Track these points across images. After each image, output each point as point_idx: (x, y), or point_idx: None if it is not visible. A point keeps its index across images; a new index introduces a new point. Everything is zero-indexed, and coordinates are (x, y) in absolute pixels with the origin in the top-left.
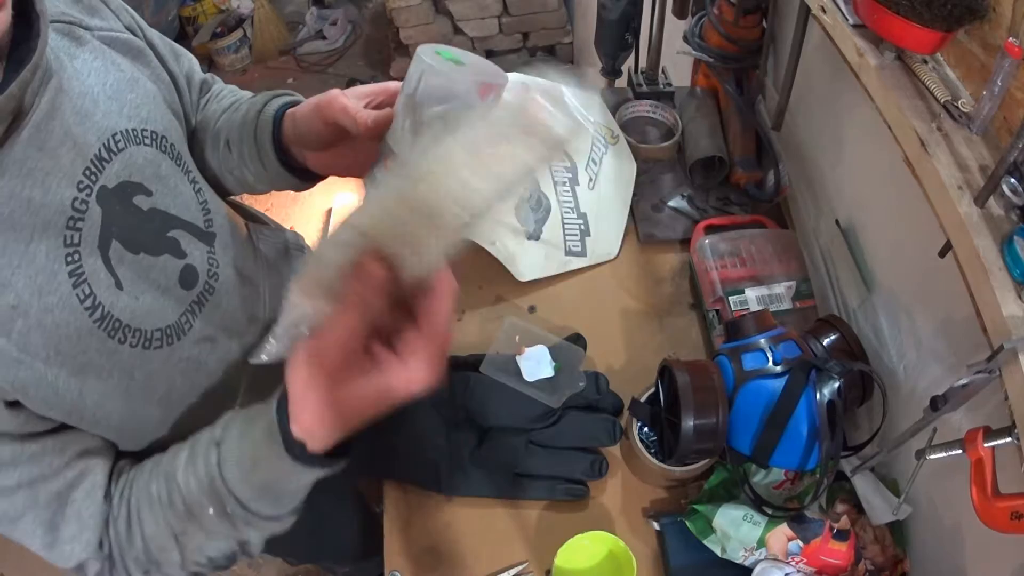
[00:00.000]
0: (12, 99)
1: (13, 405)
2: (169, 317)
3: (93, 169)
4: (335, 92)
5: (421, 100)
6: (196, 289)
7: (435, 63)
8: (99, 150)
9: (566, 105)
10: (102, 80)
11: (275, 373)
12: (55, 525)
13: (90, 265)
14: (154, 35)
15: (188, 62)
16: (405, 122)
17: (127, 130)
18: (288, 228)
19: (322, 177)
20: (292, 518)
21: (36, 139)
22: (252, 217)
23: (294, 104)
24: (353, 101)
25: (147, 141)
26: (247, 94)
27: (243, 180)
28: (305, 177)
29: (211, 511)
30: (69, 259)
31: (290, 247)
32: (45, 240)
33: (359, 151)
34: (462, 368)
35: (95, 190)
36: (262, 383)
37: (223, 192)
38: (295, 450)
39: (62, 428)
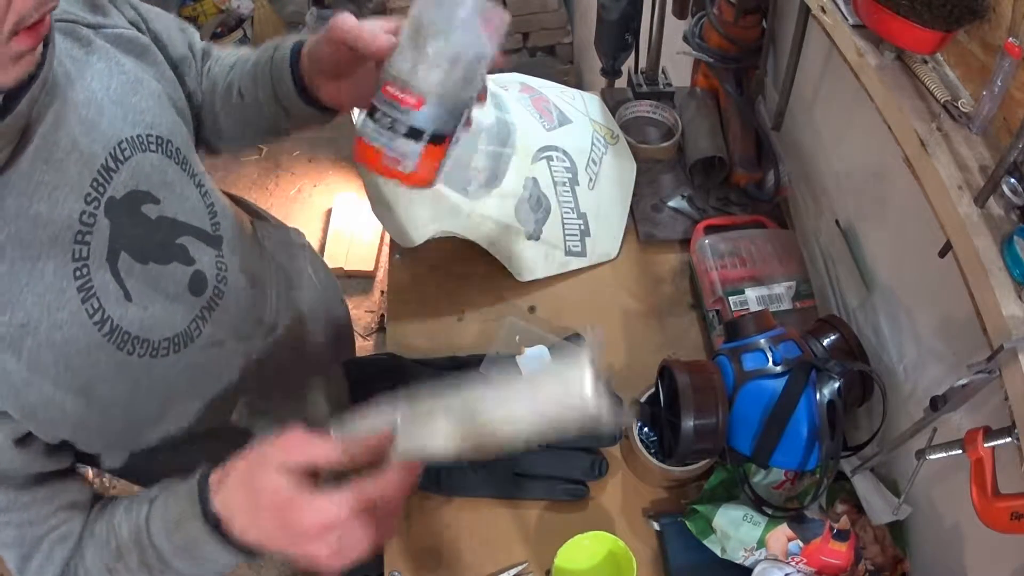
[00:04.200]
0: (21, 117)
1: (22, 441)
2: (178, 325)
3: (100, 180)
4: (346, 14)
5: (424, 24)
6: (206, 295)
7: None
8: (106, 159)
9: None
10: (106, 84)
11: (273, 374)
12: (28, 557)
13: (99, 279)
14: (157, 22)
15: (190, 34)
16: (407, 50)
17: (133, 137)
18: (290, 228)
19: (340, 111)
20: None
21: (42, 152)
22: (256, 214)
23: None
24: (365, 25)
25: (152, 147)
26: (249, 51)
27: (260, 128)
28: (326, 109)
29: (135, 558)
30: (77, 273)
31: (293, 244)
32: (53, 256)
33: (371, 79)
34: (462, 368)
35: (103, 202)
36: (263, 383)
37: (242, 150)
38: (211, 519)
39: (55, 478)
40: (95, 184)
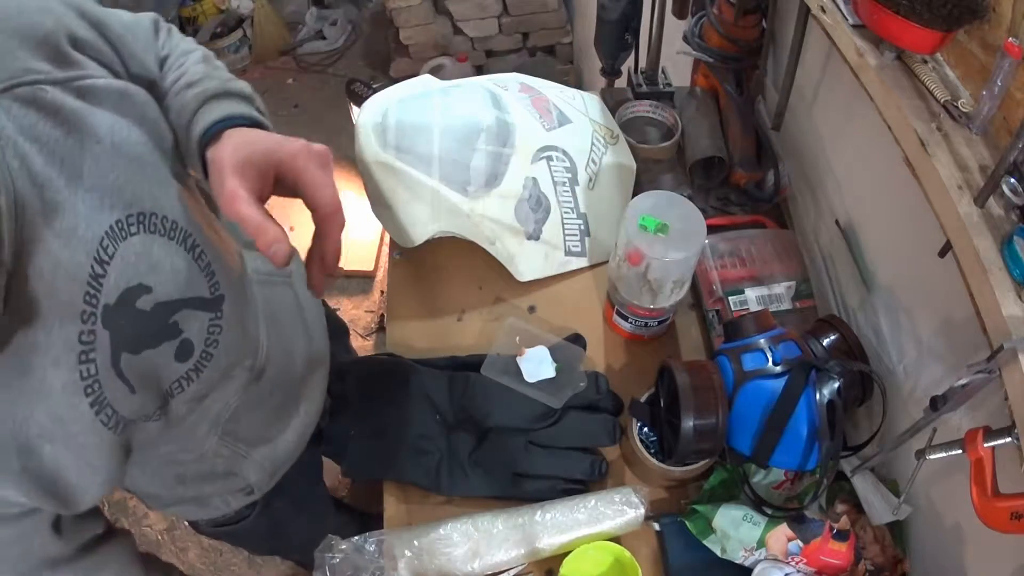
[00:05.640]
0: None
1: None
2: (163, 390)
3: (91, 291)
4: (228, 180)
5: None
6: (192, 360)
7: None
8: (91, 267)
9: None
10: (78, 171)
11: (249, 411)
12: None
13: (108, 386)
14: (133, 44)
15: (162, 39)
16: None
17: (111, 227)
18: (288, 228)
19: None
20: None
21: (27, 285)
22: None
23: (214, 131)
24: (246, 198)
25: (133, 229)
26: (189, 73)
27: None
28: None
29: None
30: (89, 390)
31: (279, 272)
32: (57, 374)
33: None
34: (462, 368)
35: (99, 314)
36: (240, 417)
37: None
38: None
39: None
40: (87, 298)
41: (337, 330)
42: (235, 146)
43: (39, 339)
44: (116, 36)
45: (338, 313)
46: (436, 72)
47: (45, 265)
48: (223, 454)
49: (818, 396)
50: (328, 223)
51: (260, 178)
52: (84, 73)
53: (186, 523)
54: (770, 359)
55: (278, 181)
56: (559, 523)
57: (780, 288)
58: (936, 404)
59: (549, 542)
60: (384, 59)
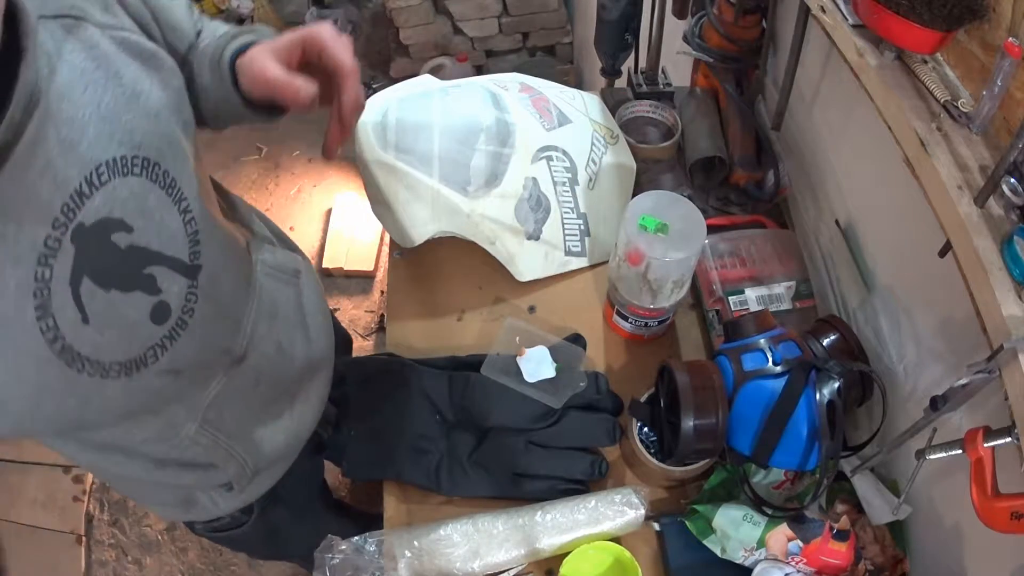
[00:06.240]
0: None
1: None
2: (133, 351)
3: (72, 205)
4: (259, 59)
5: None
6: (167, 324)
7: None
8: (80, 184)
9: None
10: (98, 98)
11: (231, 401)
12: None
13: (58, 301)
14: (168, 13)
15: (195, 21)
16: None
17: (114, 159)
18: (288, 228)
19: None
20: None
21: (14, 174)
22: (252, 230)
23: (246, 47)
24: (275, 66)
25: (136, 170)
26: (215, 31)
27: (224, 115)
28: (274, 112)
29: None
30: (37, 294)
31: (287, 271)
32: (15, 272)
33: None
34: (462, 368)
35: (71, 228)
36: (222, 410)
37: (221, 129)
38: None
39: None
40: (65, 209)
41: (342, 341)
42: (262, 46)
43: (8, 232)
44: (159, 6)
45: (338, 313)
46: (436, 72)
47: (37, 162)
48: (201, 443)
49: (818, 396)
50: (348, 79)
51: (288, 54)
52: (124, 26)
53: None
54: (770, 359)
55: (305, 62)
56: (559, 523)
57: (780, 288)
58: (936, 404)
59: (549, 542)
60: (384, 59)
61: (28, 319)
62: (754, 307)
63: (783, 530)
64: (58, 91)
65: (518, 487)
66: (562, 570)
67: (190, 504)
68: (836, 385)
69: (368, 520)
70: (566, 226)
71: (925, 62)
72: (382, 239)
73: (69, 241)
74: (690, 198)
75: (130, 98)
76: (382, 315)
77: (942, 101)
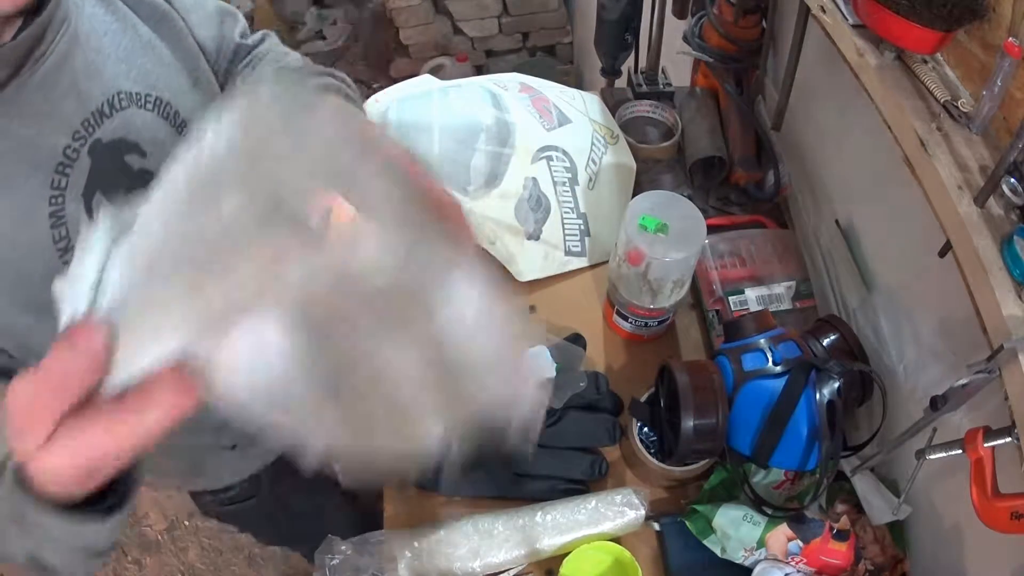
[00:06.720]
0: (30, 40)
1: None
2: None
3: (92, 122)
4: None
5: None
6: None
7: None
8: (101, 104)
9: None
10: (116, 42)
11: None
12: None
13: (71, 210)
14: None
15: (229, 27)
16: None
17: (132, 92)
18: None
19: None
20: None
21: (43, 86)
22: None
23: None
24: None
25: (150, 106)
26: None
27: None
28: None
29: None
30: (52, 201)
31: None
32: (33, 178)
33: None
34: None
35: (89, 141)
36: None
37: None
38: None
39: None
40: (86, 124)
41: None
42: None
43: (30, 136)
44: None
45: None
46: (436, 72)
47: (64, 78)
48: None
49: (818, 396)
50: None
51: None
52: None
53: (186, 522)
54: (770, 359)
55: None
56: (559, 524)
57: (780, 288)
58: (936, 404)
59: (549, 543)
60: (384, 59)
61: (42, 226)
62: (754, 307)
63: (783, 530)
64: (84, 28)
65: (518, 487)
66: (562, 570)
67: (198, 471)
68: (836, 385)
69: (368, 520)
70: (566, 226)
71: (925, 62)
72: None
73: (87, 153)
74: (690, 198)
75: (145, 46)
76: None
77: (942, 101)
